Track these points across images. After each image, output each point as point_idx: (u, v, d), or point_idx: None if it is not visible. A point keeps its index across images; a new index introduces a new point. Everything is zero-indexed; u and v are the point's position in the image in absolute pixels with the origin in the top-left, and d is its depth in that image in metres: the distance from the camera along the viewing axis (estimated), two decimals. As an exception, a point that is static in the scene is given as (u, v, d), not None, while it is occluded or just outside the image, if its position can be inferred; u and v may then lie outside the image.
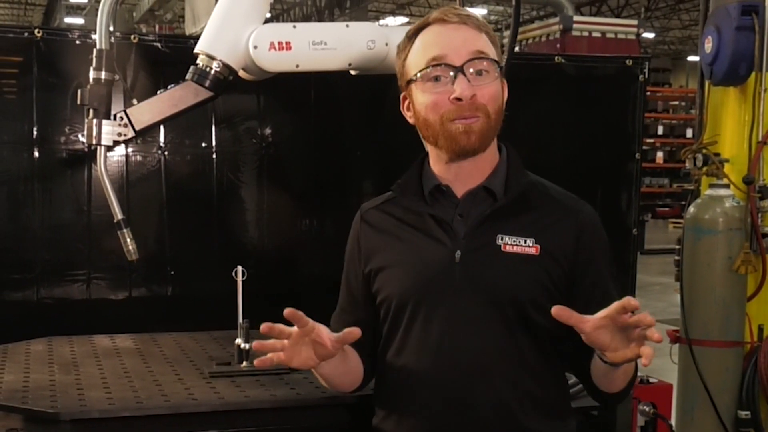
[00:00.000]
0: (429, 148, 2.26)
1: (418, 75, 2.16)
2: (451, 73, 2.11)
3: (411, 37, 2.21)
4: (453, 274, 2.15)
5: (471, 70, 2.11)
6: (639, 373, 4.71)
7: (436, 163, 2.24)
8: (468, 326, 2.15)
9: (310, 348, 2.04)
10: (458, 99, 2.10)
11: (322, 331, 2.04)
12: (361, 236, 2.32)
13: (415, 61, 2.18)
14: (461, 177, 2.21)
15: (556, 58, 4.10)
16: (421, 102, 2.17)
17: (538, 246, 2.15)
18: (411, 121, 2.25)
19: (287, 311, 1.96)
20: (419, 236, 2.21)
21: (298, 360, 2.04)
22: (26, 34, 3.39)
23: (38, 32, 3.38)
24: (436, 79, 2.13)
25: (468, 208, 2.20)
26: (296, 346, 2.03)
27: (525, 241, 2.15)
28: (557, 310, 1.87)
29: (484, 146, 2.17)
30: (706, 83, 4.41)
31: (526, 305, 2.15)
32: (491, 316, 2.15)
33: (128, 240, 2.80)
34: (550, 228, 2.19)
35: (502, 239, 2.15)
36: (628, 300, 1.84)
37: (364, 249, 2.30)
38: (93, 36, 2.86)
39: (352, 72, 2.83)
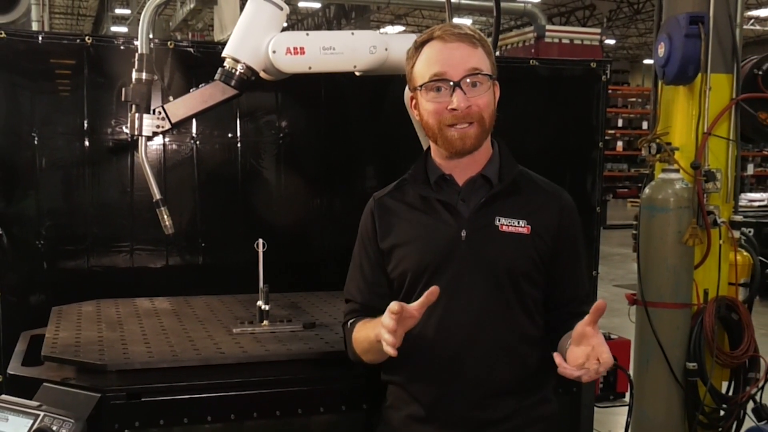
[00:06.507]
0: (431, 143, 2.26)
1: (423, 86, 2.16)
2: (451, 83, 2.11)
3: (418, 47, 2.20)
4: (459, 250, 2.16)
5: (468, 81, 2.12)
6: (602, 331, 4.73)
7: (437, 156, 2.25)
8: (469, 293, 2.16)
9: (403, 325, 1.98)
10: (454, 109, 2.11)
11: (410, 307, 1.97)
12: (376, 219, 2.30)
13: (421, 72, 2.17)
14: (460, 167, 2.23)
15: (531, 61, 4.08)
16: (424, 107, 2.18)
17: (529, 227, 2.18)
18: (416, 118, 2.26)
19: (395, 306, 1.91)
20: (428, 218, 2.22)
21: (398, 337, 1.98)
22: (78, 40, 3.37)
23: (88, 39, 3.37)
24: (438, 89, 2.14)
25: (469, 194, 2.21)
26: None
27: (518, 222, 2.17)
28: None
29: (478, 147, 2.18)
30: (660, 83, 4.40)
31: (519, 277, 2.17)
32: (489, 286, 2.16)
33: (165, 217, 2.79)
34: (538, 210, 2.21)
35: (499, 220, 2.17)
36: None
37: (379, 230, 2.29)
38: (135, 42, 2.86)
39: (357, 73, 2.81)
